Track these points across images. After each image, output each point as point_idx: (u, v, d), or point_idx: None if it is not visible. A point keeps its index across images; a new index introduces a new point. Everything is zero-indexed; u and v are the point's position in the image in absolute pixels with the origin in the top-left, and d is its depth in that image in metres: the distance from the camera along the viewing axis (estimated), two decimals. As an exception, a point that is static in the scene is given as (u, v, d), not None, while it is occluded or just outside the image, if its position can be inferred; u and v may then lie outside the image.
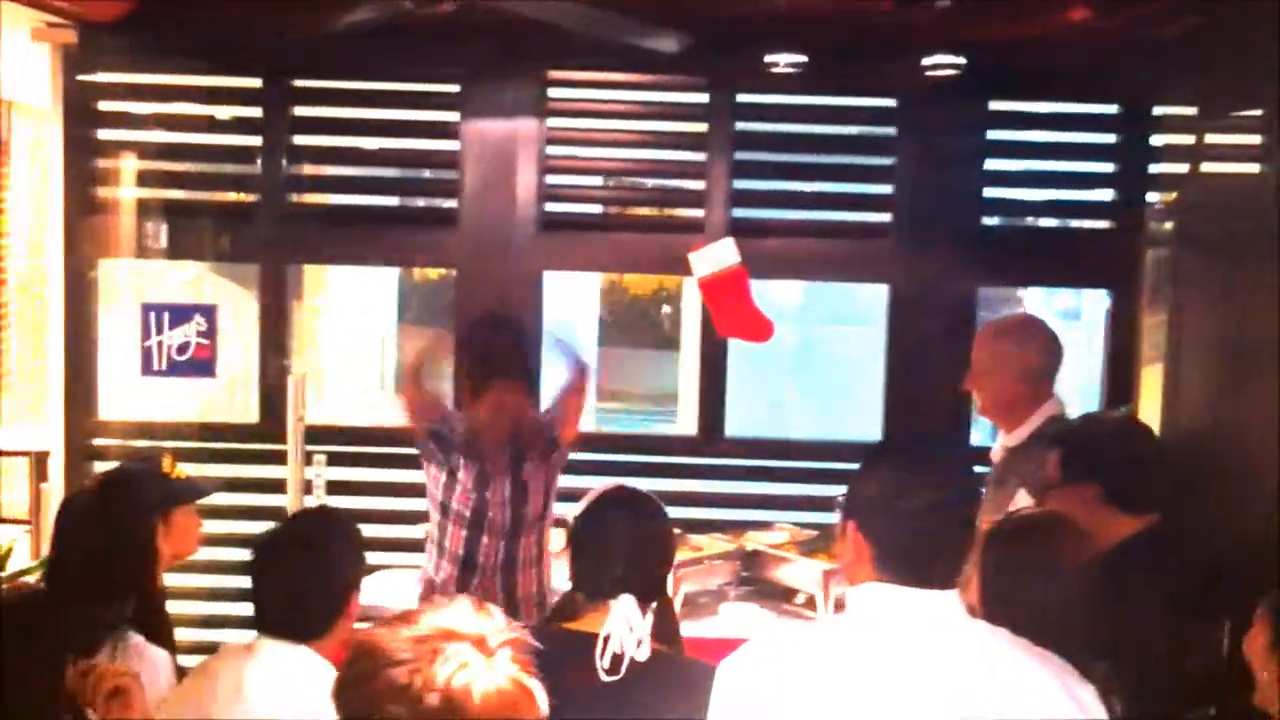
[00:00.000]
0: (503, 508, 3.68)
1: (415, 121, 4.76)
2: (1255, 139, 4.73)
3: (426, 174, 5.63)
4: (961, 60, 4.20)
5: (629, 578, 2.21)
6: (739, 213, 4.65)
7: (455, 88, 4.63)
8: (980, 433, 5.08)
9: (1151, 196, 4.71)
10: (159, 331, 4.44)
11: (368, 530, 4.47)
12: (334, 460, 4.50)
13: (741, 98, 4.62)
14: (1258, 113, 4.60)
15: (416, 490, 4.27)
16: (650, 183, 5.40)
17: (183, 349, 4.45)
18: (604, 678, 2.08)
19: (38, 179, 5.40)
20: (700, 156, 4.68)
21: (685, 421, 4.47)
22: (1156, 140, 4.80)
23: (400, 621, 1.40)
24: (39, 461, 4.67)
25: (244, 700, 2.29)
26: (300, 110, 4.68)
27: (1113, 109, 4.77)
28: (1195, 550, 2.75)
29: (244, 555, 2.50)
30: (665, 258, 4.68)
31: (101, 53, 4.47)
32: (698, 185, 4.70)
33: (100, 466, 4.45)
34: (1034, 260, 4.86)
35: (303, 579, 2.40)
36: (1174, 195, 4.62)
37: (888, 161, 4.69)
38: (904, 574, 1.75)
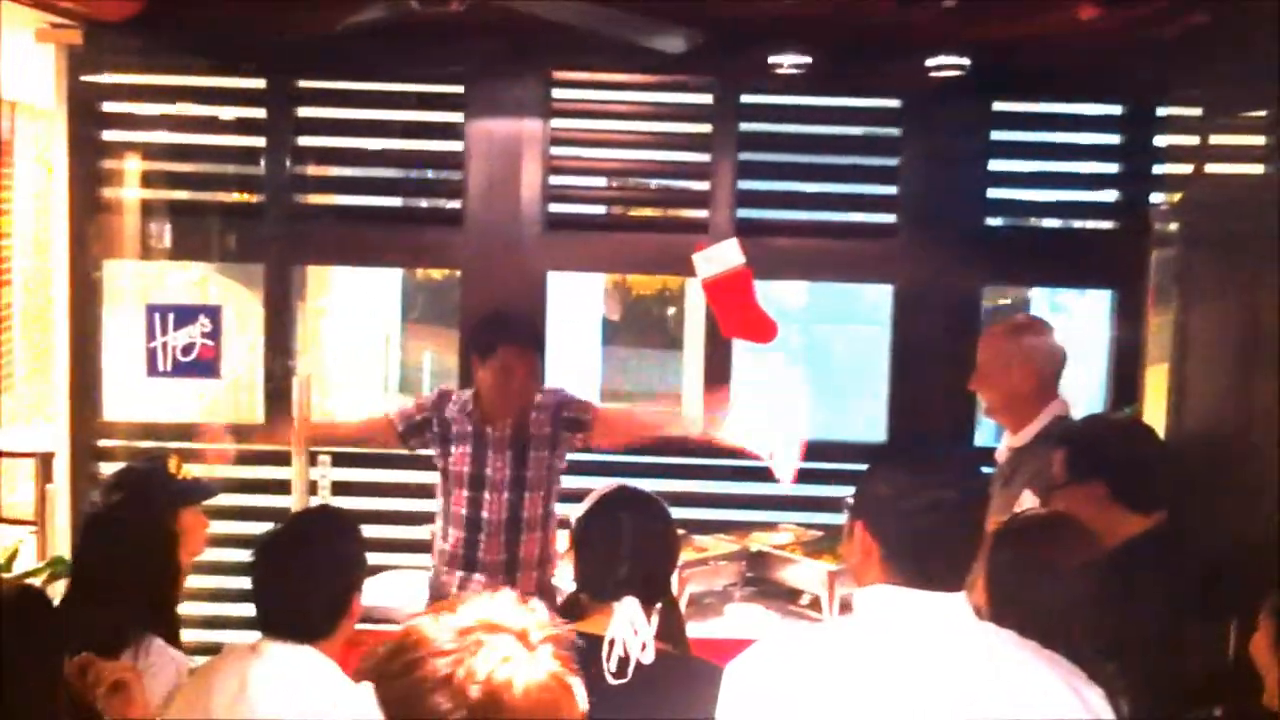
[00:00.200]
0: (503, 459, 3.75)
1: (420, 122, 4.77)
2: (1260, 139, 4.73)
3: (431, 174, 5.63)
4: (965, 61, 4.20)
5: (633, 579, 2.21)
6: (743, 213, 4.64)
7: (459, 88, 4.63)
8: (984, 433, 5.07)
9: (1156, 197, 4.71)
10: (164, 332, 4.43)
11: (372, 531, 4.49)
12: (338, 461, 4.50)
13: (746, 98, 4.62)
14: (1262, 113, 4.60)
15: (421, 491, 4.29)
16: (655, 183, 5.40)
17: (187, 350, 4.44)
18: (610, 680, 2.07)
19: (42, 180, 5.42)
20: (705, 157, 4.67)
21: (689, 422, 4.51)
22: (1161, 141, 4.80)
23: (443, 610, 1.39)
24: (44, 462, 4.66)
25: (248, 701, 2.29)
26: (305, 111, 4.68)
27: (1117, 110, 4.76)
28: (1201, 549, 2.75)
29: (247, 556, 2.51)
30: (670, 258, 4.68)
31: (105, 53, 4.47)
32: (702, 186, 4.69)
33: (106, 467, 4.46)
34: (1038, 261, 4.86)
35: (304, 579, 2.40)
36: (1179, 196, 4.62)
37: (892, 162, 4.69)
38: (912, 574, 1.75)
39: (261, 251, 4.70)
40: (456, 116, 4.63)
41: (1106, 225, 4.88)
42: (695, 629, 3.36)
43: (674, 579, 2.48)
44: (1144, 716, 2.20)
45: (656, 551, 2.31)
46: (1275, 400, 3.22)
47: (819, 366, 13.20)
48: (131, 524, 2.76)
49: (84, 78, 4.52)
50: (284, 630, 2.37)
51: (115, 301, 4.83)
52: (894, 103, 4.67)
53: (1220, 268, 3.65)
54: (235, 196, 4.89)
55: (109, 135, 4.62)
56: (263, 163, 4.64)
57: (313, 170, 4.90)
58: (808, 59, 4.27)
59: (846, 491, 2.01)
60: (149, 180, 4.63)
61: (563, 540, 3.64)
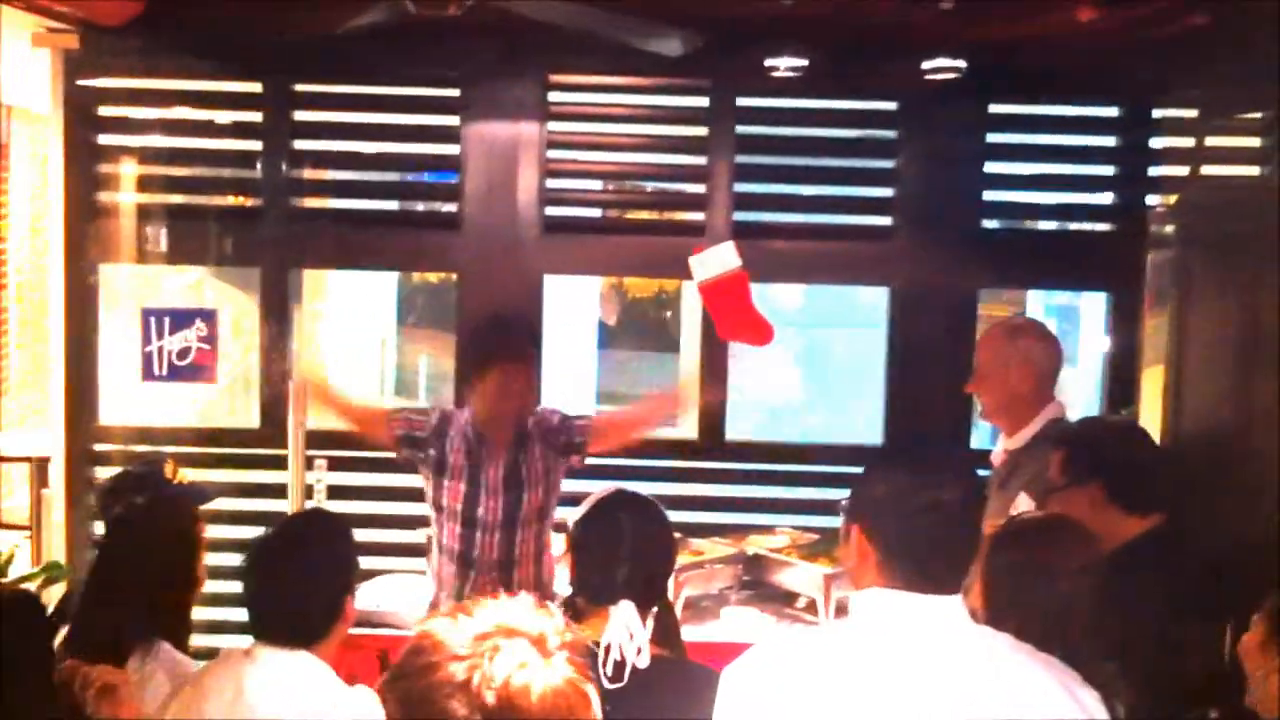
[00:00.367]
0: (496, 496, 3.68)
1: (416, 125, 4.76)
2: (1256, 141, 4.73)
3: (427, 178, 5.63)
4: (962, 63, 4.20)
5: (630, 582, 2.21)
6: (740, 216, 4.64)
7: (456, 91, 4.63)
8: (981, 435, 5.07)
9: (1153, 199, 4.71)
10: (160, 336, 4.43)
11: (369, 535, 4.49)
12: (335, 465, 4.49)
13: (742, 101, 4.62)
14: (1259, 115, 4.60)
15: (417, 495, 4.27)
16: (651, 186, 5.40)
17: (183, 354, 4.43)
18: (607, 685, 2.06)
19: (38, 184, 5.40)
20: (701, 160, 4.67)
21: (685, 425, 4.47)
22: (1157, 143, 4.80)
23: (460, 614, 1.39)
24: (40, 467, 4.65)
25: (244, 706, 2.29)
26: (301, 114, 4.67)
27: (1114, 111, 4.77)
28: (1199, 550, 2.74)
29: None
30: (666, 261, 4.67)
31: (102, 57, 4.46)
32: (698, 189, 4.69)
33: (101, 472, 4.44)
34: (1035, 263, 4.86)
35: (296, 582, 2.40)
36: (1175, 198, 4.62)
37: (888, 164, 4.69)
38: (909, 577, 1.75)
39: (258, 255, 4.69)
40: (453, 120, 4.63)
41: (1103, 227, 4.89)
42: (691, 632, 3.36)
43: (670, 582, 2.47)
44: (1142, 717, 2.20)
45: (653, 555, 2.31)
46: (1273, 401, 3.21)
47: (815, 369, 13.19)
48: (163, 529, 2.77)
49: (80, 82, 4.51)
50: (278, 635, 2.37)
51: (111, 306, 4.81)
52: (890, 105, 4.67)
53: (1217, 269, 3.64)
54: (231, 200, 4.88)
55: (105, 139, 4.62)
56: (259, 166, 4.64)
57: (309, 174, 4.90)
58: (804, 61, 4.27)
59: (842, 494, 2.01)
60: (145, 184, 4.62)
61: (559, 543, 3.62)
